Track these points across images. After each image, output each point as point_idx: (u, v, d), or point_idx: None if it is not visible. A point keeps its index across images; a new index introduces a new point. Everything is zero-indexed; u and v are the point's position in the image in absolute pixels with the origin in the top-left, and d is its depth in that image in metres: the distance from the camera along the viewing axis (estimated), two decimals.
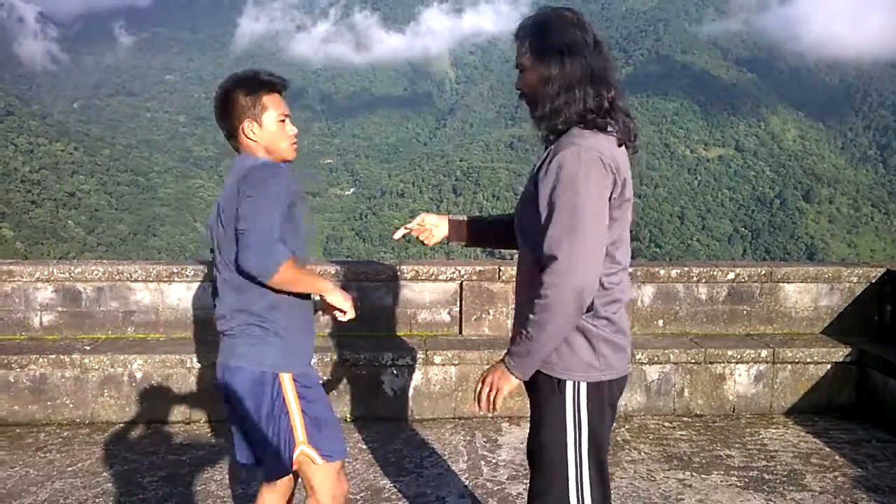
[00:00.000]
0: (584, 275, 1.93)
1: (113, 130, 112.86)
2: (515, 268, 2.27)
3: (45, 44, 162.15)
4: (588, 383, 2.08)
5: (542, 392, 2.12)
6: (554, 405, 2.09)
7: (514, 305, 2.32)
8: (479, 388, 2.08)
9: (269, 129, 2.33)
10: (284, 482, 2.44)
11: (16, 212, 75.58)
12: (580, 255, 1.92)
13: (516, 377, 2.04)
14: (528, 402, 2.27)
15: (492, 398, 2.04)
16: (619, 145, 2.06)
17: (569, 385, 2.08)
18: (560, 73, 2.02)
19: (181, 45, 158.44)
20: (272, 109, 2.33)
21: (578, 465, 2.08)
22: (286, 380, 2.28)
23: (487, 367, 2.14)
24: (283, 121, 2.36)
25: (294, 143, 2.40)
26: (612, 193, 1.99)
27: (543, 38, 2.06)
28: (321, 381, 2.51)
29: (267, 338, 2.26)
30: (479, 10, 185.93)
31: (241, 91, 2.32)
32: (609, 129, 2.03)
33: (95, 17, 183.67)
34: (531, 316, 1.97)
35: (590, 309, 2.04)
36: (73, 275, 4.64)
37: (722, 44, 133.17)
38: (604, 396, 2.11)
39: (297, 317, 2.33)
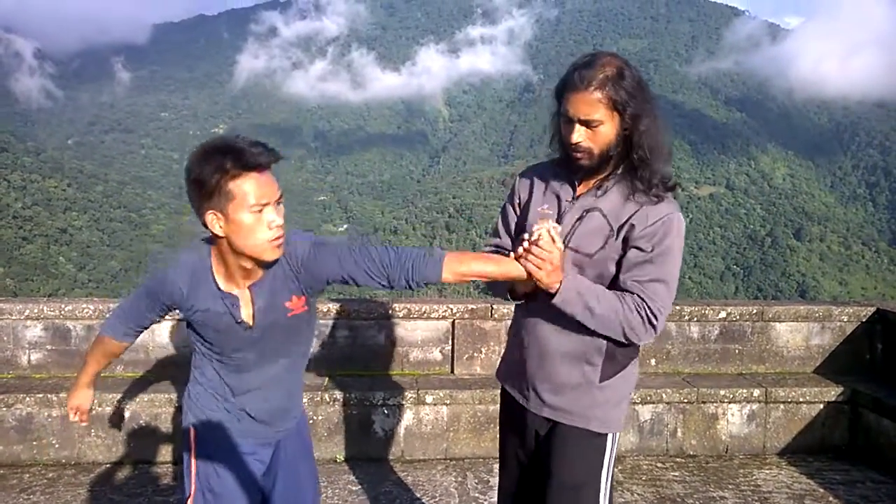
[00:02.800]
0: (653, 334, 2.05)
1: (107, 167, 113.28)
2: None
3: (40, 80, 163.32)
4: (617, 432, 2.19)
5: (576, 444, 2.13)
6: (591, 456, 2.13)
7: (535, 335, 2.18)
8: (539, 253, 1.96)
9: (239, 224, 1.83)
10: None
11: (7, 248, 75.36)
12: (663, 319, 2.03)
13: (552, 289, 1.99)
14: (522, 446, 2.25)
15: (540, 263, 1.96)
16: None
17: (609, 438, 2.14)
18: (653, 126, 1.99)
19: (177, 84, 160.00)
20: (243, 197, 1.81)
21: None
22: (191, 434, 2.15)
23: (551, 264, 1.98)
24: (259, 211, 1.84)
25: (277, 240, 1.88)
26: None
27: (637, 89, 1.97)
28: (261, 472, 2.20)
29: (190, 389, 2.20)
30: (476, 50, 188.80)
31: (203, 171, 1.81)
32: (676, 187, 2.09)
33: (92, 54, 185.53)
34: (609, 297, 2.00)
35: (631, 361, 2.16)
36: (63, 313, 4.61)
37: (712, 83, 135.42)
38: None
39: (211, 399, 2.14)
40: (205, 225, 1.89)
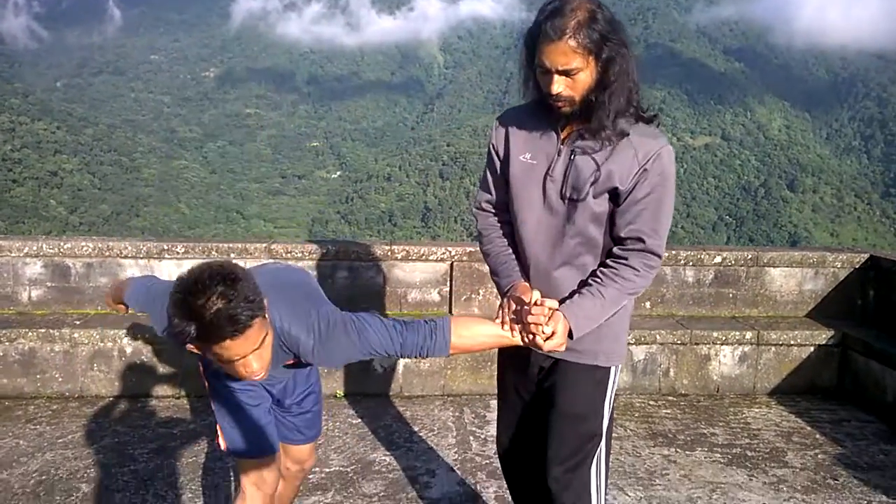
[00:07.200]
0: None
1: (96, 110, 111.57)
2: (533, 234, 2.13)
3: (26, 20, 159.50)
4: (619, 364, 2.25)
5: (581, 378, 2.17)
6: (594, 388, 2.18)
7: (534, 270, 2.16)
8: (543, 330, 1.95)
9: (217, 362, 1.82)
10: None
11: None
12: (659, 261, 2.08)
13: (569, 340, 2.01)
14: (524, 382, 2.30)
15: (545, 341, 1.96)
16: None
17: (612, 370, 2.20)
18: (626, 66, 1.96)
19: (166, 25, 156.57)
20: (214, 356, 1.78)
21: (608, 441, 2.24)
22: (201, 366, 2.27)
23: (546, 312, 1.96)
24: (234, 361, 1.78)
25: (255, 375, 1.83)
26: None
27: (611, 30, 1.93)
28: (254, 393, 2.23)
29: None
30: None
31: (175, 328, 1.71)
32: (656, 117, 2.07)
33: None
34: (608, 290, 2.03)
35: None
36: (62, 250, 4.63)
37: (710, 33, 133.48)
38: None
39: None
40: None
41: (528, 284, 2.13)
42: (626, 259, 2.05)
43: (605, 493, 2.28)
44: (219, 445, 2.29)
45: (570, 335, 2.00)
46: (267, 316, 1.79)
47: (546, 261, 2.12)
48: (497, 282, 2.22)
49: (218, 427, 2.26)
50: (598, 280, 2.06)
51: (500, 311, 2.07)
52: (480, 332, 2.05)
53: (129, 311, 2.41)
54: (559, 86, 1.94)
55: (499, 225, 2.27)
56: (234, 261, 1.96)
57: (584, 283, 2.10)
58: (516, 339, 2.03)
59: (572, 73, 1.92)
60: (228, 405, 2.22)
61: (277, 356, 1.95)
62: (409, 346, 1.98)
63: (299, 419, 2.42)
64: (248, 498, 2.22)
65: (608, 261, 2.09)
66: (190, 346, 1.76)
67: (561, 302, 2.04)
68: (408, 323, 2.01)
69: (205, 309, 1.66)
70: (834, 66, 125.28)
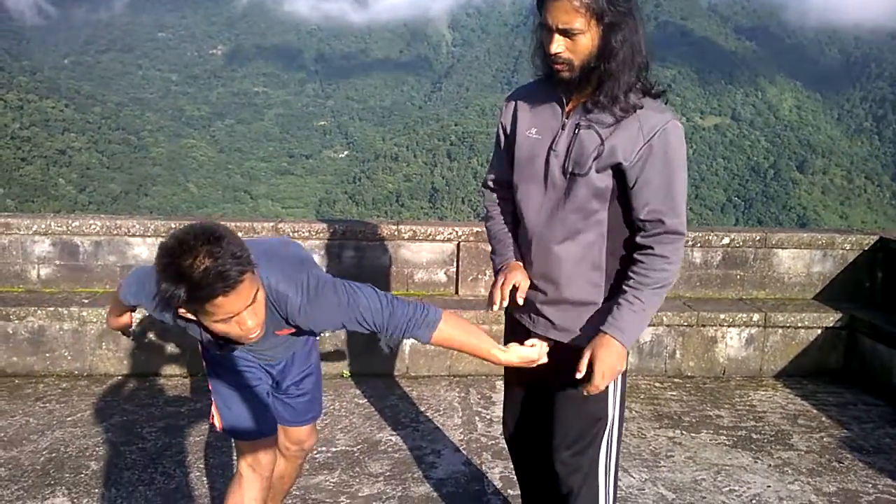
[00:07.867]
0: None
1: (104, 88, 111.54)
2: (535, 209, 2.11)
3: None
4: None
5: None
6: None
7: (535, 245, 2.13)
8: (598, 382, 2.01)
9: (209, 324, 1.79)
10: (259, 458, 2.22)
11: (6, 169, 75.12)
12: (683, 239, 2.05)
13: (627, 352, 2.04)
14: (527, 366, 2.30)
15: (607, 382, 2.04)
16: None
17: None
18: (632, 37, 1.91)
19: (173, 2, 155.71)
20: (206, 315, 1.74)
21: (619, 425, 2.21)
22: (199, 347, 2.28)
23: (588, 353, 2.03)
24: (227, 319, 1.75)
25: (251, 333, 1.81)
26: None
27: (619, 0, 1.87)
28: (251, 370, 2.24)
29: None
30: None
31: (163, 289, 1.70)
32: (664, 94, 2.03)
33: None
34: (643, 293, 2.00)
35: None
36: (70, 228, 4.64)
37: (722, 11, 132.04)
38: None
39: None
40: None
41: (520, 263, 2.17)
42: (652, 249, 2.01)
43: (616, 478, 2.24)
44: (213, 425, 2.29)
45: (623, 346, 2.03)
46: (256, 272, 1.77)
47: (547, 235, 2.10)
48: (493, 259, 2.26)
49: (214, 407, 2.25)
50: (631, 284, 2.02)
51: (492, 291, 2.14)
52: (468, 338, 2.07)
53: (133, 327, 2.37)
54: (558, 45, 1.90)
55: (502, 203, 2.27)
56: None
57: (616, 289, 2.07)
58: (501, 359, 2.08)
59: (573, 33, 1.88)
60: (227, 386, 2.21)
61: (269, 318, 1.92)
62: (397, 316, 1.97)
63: (297, 401, 2.41)
64: (245, 481, 2.19)
65: (636, 255, 2.04)
66: (182, 311, 1.75)
67: (601, 322, 2.05)
68: (400, 298, 2.02)
69: (193, 269, 1.63)
70: (847, 45, 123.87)
